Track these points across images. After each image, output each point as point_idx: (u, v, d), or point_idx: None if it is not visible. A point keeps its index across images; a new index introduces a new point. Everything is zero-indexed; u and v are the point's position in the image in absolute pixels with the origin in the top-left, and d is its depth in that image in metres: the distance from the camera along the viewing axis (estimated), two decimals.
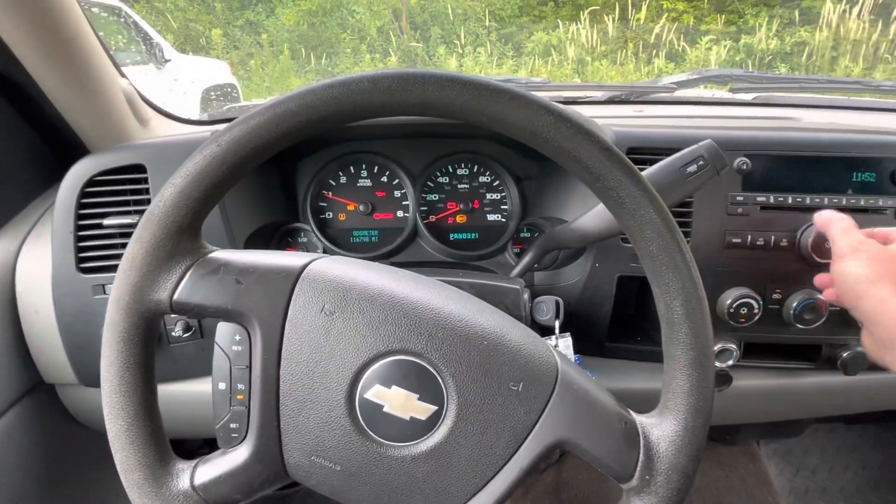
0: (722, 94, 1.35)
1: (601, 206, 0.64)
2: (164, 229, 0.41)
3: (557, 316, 0.67)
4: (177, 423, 0.79)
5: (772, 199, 0.73)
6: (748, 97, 1.22)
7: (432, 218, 0.92)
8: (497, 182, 0.92)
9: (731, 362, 0.76)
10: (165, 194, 0.41)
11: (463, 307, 0.44)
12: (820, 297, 0.72)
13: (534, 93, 0.41)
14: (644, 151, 0.74)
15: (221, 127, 0.41)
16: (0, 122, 0.73)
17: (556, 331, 0.66)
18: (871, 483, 1.42)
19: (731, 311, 0.73)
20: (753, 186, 0.74)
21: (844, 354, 0.77)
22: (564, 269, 0.82)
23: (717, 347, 0.76)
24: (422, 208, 0.91)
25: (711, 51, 5.59)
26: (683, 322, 0.42)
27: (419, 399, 0.42)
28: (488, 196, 0.92)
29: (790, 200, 0.73)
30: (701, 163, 0.58)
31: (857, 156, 0.75)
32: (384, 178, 0.91)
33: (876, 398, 0.91)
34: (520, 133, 0.41)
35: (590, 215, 0.65)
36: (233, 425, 0.47)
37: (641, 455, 0.42)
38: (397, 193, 0.91)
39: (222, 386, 0.47)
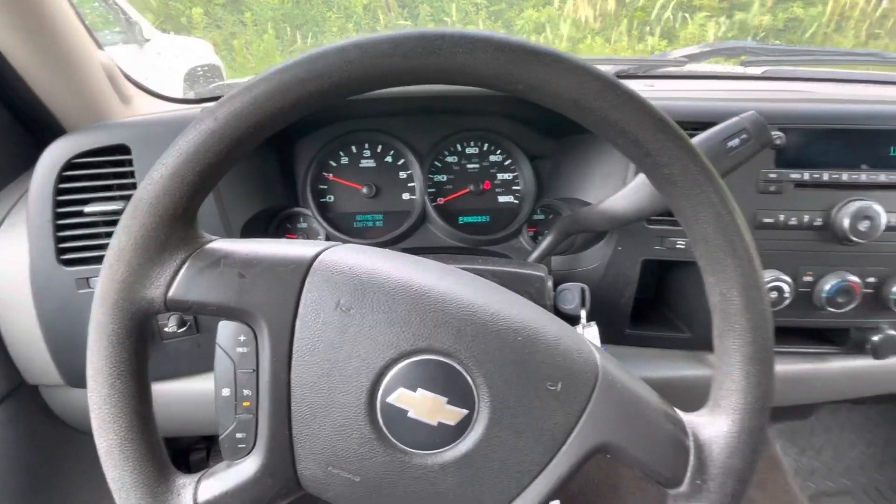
0: (733, 68, 1.30)
1: (631, 186, 0.59)
2: (154, 217, 0.35)
3: (583, 304, 0.63)
4: (171, 423, 0.76)
5: (807, 176, 0.69)
6: (758, 71, 1.18)
7: (441, 200, 0.87)
8: (509, 161, 0.87)
9: None
10: (155, 176, 0.35)
11: (493, 299, 0.40)
12: (853, 279, 0.69)
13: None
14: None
15: (212, 105, 0.36)
16: None
17: (583, 320, 0.62)
18: (875, 461, 1.42)
19: None
20: (787, 163, 0.70)
21: (875, 338, 0.74)
22: (584, 254, 0.77)
23: None
24: (429, 190, 0.86)
25: (706, 27, 5.51)
26: (741, 313, 0.38)
27: (448, 403, 0.38)
28: (500, 176, 0.87)
29: (826, 177, 0.69)
30: (744, 136, 0.54)
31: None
32: (389, 159, 0.86)
33: None
34: (558, 102, 0.36)
35: (620, 196, 0.60)
36: (239, 435, 0.43)
37: (692, 458, 0.39)
38: (403, 174, 0.86)
39: (226, 392, 0.43)
